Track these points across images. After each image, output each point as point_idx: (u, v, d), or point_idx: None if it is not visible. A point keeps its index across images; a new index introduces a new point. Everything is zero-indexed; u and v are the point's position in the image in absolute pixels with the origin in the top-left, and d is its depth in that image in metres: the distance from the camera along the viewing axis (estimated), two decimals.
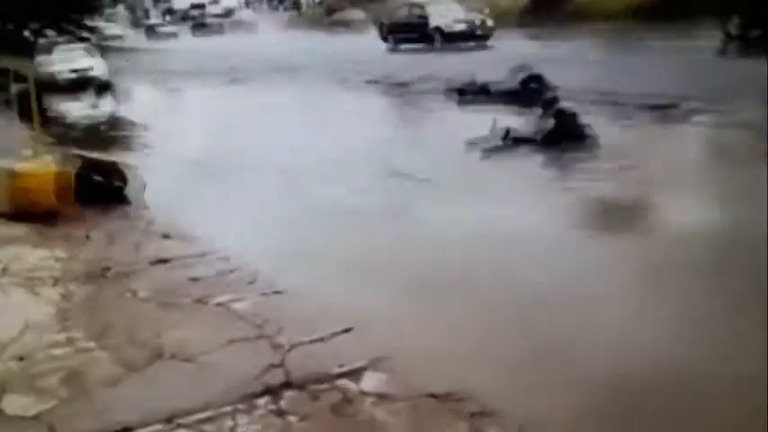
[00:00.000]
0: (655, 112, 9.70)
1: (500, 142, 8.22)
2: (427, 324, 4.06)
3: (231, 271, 4.78)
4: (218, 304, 4.23)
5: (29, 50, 20.24)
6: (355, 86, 15.63)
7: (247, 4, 65.88)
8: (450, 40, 22.10)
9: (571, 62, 14.33)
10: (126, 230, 5.91)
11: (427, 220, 5.97)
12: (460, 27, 22.74)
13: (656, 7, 23.74)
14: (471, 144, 8.26)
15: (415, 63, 18.13)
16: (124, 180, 7.13)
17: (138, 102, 17.61)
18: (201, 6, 57.77)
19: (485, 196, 6.44)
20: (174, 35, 43.00)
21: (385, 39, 25.17)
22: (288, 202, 6.76)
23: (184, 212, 6.27)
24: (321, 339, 3.72)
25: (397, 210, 6.32)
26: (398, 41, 24.19)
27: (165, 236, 5.64)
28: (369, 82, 15.80)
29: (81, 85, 18.50)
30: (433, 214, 6.06)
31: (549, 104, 8.47)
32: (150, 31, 45.41)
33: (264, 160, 8.55)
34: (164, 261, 5.04)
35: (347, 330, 3.78)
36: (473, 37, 22.55)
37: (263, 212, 6.42)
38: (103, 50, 22.32)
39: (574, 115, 8.33)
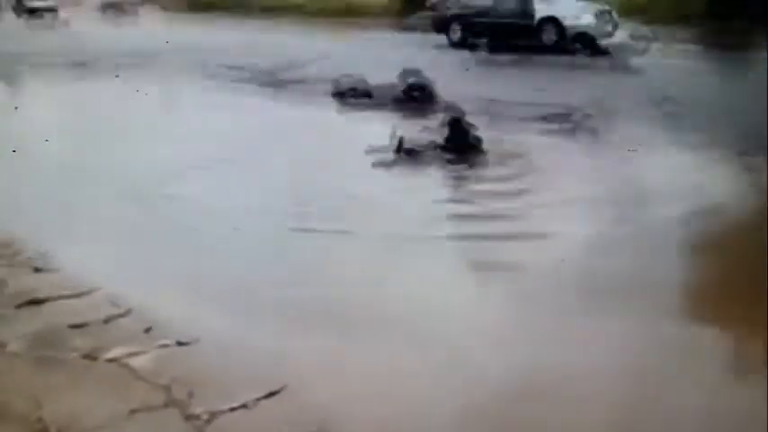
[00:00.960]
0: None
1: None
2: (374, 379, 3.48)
3: (122, 314, 4.08)
4: (111, 360, 3.57)
5: None
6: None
7: None
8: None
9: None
10: None
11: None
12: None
13: None
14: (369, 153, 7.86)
15: None
16: None
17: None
18: None
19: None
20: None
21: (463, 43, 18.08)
22: (177, 224, 5.79)
23: (55, 237, 5.40)
24: (245, 406, 3.19)
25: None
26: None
27: (36, 269, 4.80)
28: None
29: None
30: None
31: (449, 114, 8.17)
32: None
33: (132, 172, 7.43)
34: (37, 302, 4.25)
35: (276, 392, 3.27)
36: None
37: (147, 238, 5.46)
38: None
39: (468, 125, 8.12)
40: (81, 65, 16.31)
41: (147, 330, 3.89)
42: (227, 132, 8.98)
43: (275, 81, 13.52)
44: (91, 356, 3.59)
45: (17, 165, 7.57)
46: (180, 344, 3.73)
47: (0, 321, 4.02)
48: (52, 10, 33.59)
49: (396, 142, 7.86)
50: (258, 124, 9.63)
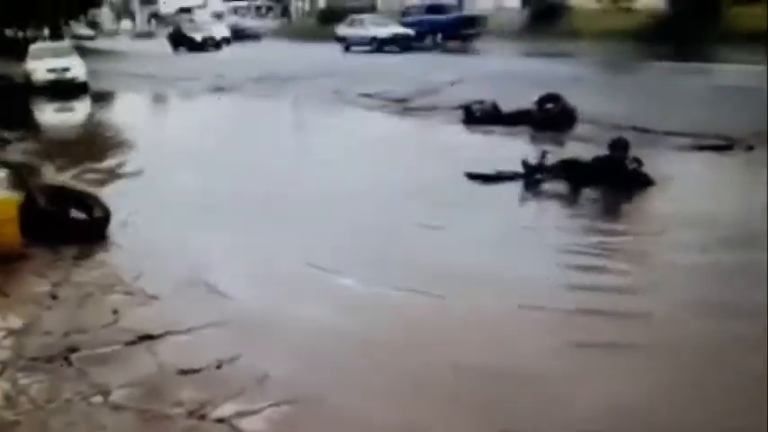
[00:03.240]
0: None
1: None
2: None
3: (235, 358, 3.67)
4: (220, 420, 3.13)
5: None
6: None
7: (236, 12, 64.66)
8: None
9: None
10: (103, 286, 4.76)
11: None
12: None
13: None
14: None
15: None
16: (106, 211, 6.01)
17: (119, 109, 16.26)
18: (188, 11, 56.50)
19: None
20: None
21: None
22: (313, 250, 5.31)
23: (179, 261, 5.14)
24: None
25: None
26: None
27: (153, 296, 4.51)
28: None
29: (60, 86, 17.02)
30: None
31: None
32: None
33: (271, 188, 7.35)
34: (149, 337, 3.92)
35: None
36: None
37: (286, 268, 5.03)
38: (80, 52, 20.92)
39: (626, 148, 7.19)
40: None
41: (262, 380, 3.43)
42: None
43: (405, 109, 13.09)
44: (197, 414, 3.15)
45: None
46: (293, 402, 3.24)
47: (109, 360, 3.71)
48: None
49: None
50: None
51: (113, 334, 3.98)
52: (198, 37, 31.79)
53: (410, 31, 27.02)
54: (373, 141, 9.99)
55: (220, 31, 33.38)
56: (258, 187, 7.30)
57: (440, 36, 26.93)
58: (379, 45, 26.74)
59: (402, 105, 13.05)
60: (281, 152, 9.36)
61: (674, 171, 7.40)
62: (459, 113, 10.98)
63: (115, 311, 4.28)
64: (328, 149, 9.46)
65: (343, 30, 29.45)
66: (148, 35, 45.76)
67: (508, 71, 17.15)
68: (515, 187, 7.06)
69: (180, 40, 32.25)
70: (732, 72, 15.84)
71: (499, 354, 3.66)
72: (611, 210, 6.65)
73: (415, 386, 3.40)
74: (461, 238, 5.54)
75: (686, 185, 6.98)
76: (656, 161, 7.46)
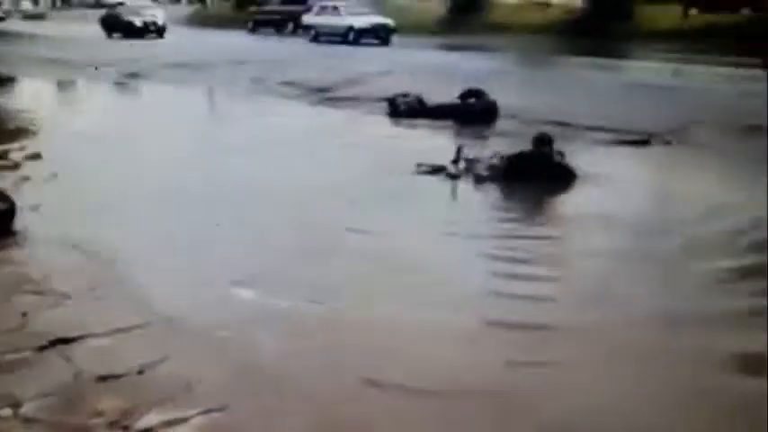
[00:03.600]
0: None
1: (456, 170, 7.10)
2: None
3: (159, 363, 3.43)
4: (146, 431, 2.90)
5: None
6: None
7: None
8: None
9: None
10: (9, 285, 4.38)
11: None
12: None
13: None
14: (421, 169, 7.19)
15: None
16: (10, 203, 5.56)
17: (21, 95, 15.30)
18: None
19: None
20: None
21: None
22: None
23: (92, 256, 4.79)
24: None
25: None
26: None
27: (66, 296, 4.18)
28: None
29: None
30: None
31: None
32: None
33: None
34: (63, 341, 3.61)
35: None
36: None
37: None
38: None
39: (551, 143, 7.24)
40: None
41: (189, 388, 3.22)
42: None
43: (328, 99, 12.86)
44: (120, 425, 2.91)
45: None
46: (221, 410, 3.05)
47: (20, 368, 3.39)
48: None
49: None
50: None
51: (22, 338, 3.65)
52: (137, 21, 29.18)
53: (390, 21, 25.28)
54: (292, 132, 9.77)
55: (161, 15, 30.60)
56: (164, 179, 6.96)
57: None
58: (356, 36, 24.71)
59: (324, 95, 12.85)
60: (190, 142, 8.92)
61: (597, 166, 7.52)
62: (384, 105, 10.89)
63: (24, 314, 3.93)
64: (241, 140, 9.08)
65: (311, 18, 27.29)
66: (40, 17, 43.00)
67: (431, 64, 17.25)
68: (441, 183, 6.99)
69: (114, 25, 29.73)
70: (645, 69, 16.49)
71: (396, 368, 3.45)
72: (537, 209, 6.63)
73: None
74: (380, 242, 5.26)
75: (610, 180, 7.09)
76: (580, 156, 7.57)
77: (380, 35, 24.42)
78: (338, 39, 24.90)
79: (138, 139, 9.03)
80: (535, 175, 6.82)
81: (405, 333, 3.79)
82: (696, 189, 6.80)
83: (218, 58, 18.64)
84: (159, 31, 29.09)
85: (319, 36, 25.88)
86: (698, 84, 13.81)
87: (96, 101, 14.14)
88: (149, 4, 33.70)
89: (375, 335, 3.78)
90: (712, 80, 14.50)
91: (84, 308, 4.04)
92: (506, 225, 5.78)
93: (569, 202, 6.67)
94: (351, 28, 24.91)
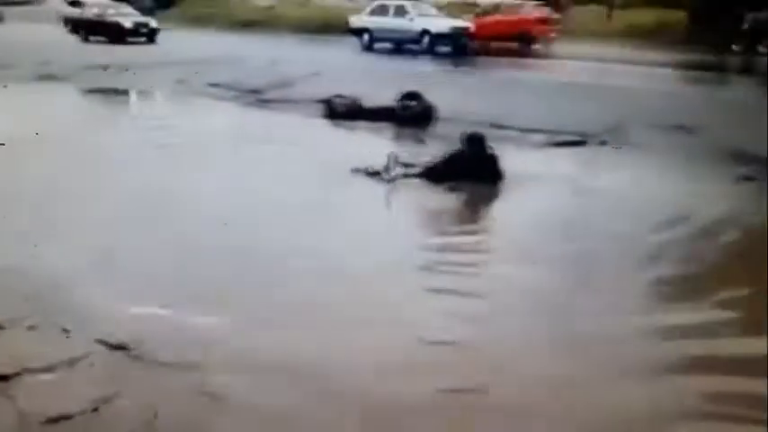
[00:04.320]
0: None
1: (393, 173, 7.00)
2: None
3: (113, 398, 3.13)
4: None
5: None
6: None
7: None
8: None
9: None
10: None
11: None
12: None
13: None
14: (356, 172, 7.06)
15: None
16: None
17: None
18: None
19: None
20: None
21: None
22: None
23: (22, 275, 4.41)
24: None
25: None
26: None
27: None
28: None
29: None
30: None
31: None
32: None
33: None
34: (1, 378, 3.26)
35: None
36: None
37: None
38: None
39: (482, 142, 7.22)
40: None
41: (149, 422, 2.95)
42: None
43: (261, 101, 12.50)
44: None
45: None
46: None
47: None
48: None
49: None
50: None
51: None
52: (127, 23, 24.30)
53: (469, 24, 20.81)
54: (224, 135, 9.44)
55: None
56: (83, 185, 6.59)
57: None
58: (432, 44, 19.75)
59: (256, 97, 12.51)
60: (107, 149, 8.39)
61: (531, 167, 7.58)
62: (319, 107, 10.67)
63: None
64: (168, 145, 8.55)
65: (362, 19, 21.56)
66: None
67: (361, 66, 17.06)
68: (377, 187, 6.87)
69: (92, 28, 24.79)
70: (575, 68, 16.79)
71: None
72: (470, 213, 6.58)
73: None
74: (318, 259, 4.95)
75: (545, 182, 7.12)
76: (515, 157, 7.60)
77: (455, 43, 19.98)
78: (405, 46, 20.40)
79: (56, 146, 8.48)
80: (467, 176, 6.79)
81: None
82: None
83: (138, 60, 17.90)
84: (150, 35, 24.47)
85: (374, 42, 21.09)
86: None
87: (12, 105, 13.27)
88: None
89: None
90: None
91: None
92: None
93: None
94: (426, 32, 20.04)
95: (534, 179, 7.16)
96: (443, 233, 5.74)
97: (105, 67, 16.25)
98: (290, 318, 4.04)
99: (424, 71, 15.89)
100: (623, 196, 6.66)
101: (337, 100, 10.53)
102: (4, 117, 10.39)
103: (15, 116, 10.53)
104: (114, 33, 23.91)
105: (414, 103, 10.22)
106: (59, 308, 4.02)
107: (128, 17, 24.94)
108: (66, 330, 3.76)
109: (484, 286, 4.58)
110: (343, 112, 10.33)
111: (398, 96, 10.30)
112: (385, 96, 10.42)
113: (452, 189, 6.77)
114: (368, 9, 21.88)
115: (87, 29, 25.01)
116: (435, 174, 6.94)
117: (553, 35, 22.09)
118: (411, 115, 10.07)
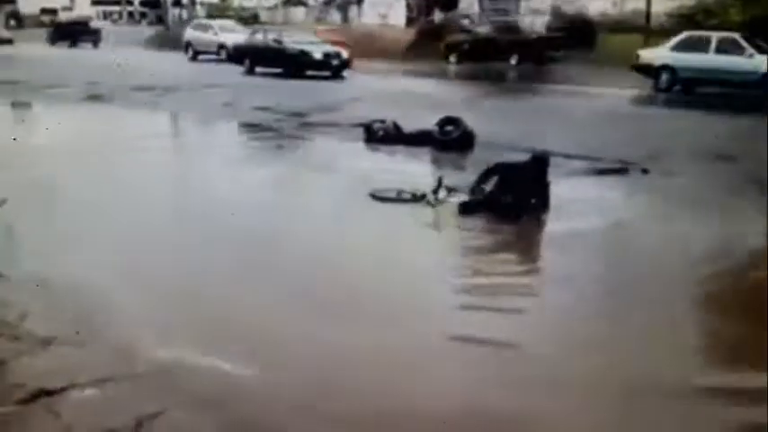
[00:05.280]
0: None
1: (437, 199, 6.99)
2: None
3: (157, 415, 3.16)
4: None
5: None
6: None
7: (105, 16, 61.85)
8: None
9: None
10: None
11: None
12: None
13: None
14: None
15: None
16: None
17: None
18: (53, 12, 53.31)
19: None
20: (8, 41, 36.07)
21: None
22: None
23: (70, 292, 4.49)
24: None
25: None
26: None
27: (46, 341, 3.87)
28: None
29: None
30: None
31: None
32: None
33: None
34: (46, 393, 3.32)
35: None
36: None
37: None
38: None
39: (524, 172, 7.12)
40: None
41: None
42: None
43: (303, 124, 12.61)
44: None
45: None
46: None
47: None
48: None
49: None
50: None
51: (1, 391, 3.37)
52: (316, 53, 20.23)
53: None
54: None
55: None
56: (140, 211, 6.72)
57: None
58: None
59: (300, 120, 12.64)
60: (164, 176, 8.57)
61: (577, 194, 7.48)
62: (360, 131, 10.74)
63: (1, 362, 3.64)
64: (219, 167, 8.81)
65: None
66: (8, 42, 36.51)
67: (403, 91, 17.17)
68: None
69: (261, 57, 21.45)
70: (612, 96, 16.69)
71: None
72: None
73: None
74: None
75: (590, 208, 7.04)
76: (560, 184, 7.49)
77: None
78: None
79: (102, 170, 8.69)
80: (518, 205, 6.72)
81: None
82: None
83: (185, 82, 18.27)
84: (340, 68, 20.37)
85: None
86: None
87: (59, 125, 13.59)
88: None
89: None
90: None
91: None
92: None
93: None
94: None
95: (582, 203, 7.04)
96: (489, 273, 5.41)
97: (142, 89, 16.60)
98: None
99: (463, 96, 15.84)
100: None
101: (376, 125, 10.58)
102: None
103: None
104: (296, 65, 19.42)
105: (452, 128, 10.22)
106: (108, 324, 4.08)
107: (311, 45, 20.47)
108: (114, 344, 3.82)
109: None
110: (381, 136, 10.37)
111: (438, 121, 10.31)
112: None
113: (497, 220, 6.56)
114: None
115: (254, 58, 20.73)
116: (486, 202, 6.83)
117: None
118: (451, 140, 10.07)
